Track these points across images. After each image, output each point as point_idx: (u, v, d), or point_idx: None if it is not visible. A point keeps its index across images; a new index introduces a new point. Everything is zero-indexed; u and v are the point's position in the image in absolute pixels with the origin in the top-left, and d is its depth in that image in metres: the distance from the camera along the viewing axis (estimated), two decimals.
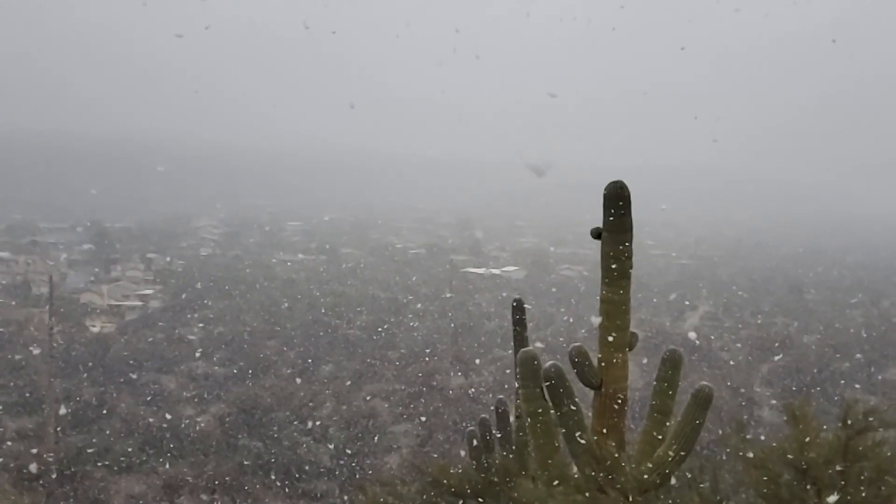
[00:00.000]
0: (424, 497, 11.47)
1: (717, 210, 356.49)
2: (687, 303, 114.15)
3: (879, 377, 68.36)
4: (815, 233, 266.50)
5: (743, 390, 57.89)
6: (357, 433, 51.97)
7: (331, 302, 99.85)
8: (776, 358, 72.06)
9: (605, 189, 10.31)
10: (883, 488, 9.93)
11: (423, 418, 54.35)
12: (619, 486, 9.36)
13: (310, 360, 73.62)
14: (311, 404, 56.48)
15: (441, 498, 11.25)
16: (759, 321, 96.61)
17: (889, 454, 10.42)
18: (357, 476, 43.96)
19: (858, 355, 73.03)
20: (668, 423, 11.18)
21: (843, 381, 64.05)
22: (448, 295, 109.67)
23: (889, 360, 73.58)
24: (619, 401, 10.77)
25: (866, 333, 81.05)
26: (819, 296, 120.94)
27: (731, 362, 71.92)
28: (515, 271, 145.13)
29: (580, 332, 67.35)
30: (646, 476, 10.09)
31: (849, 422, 10.24)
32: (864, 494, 9.82)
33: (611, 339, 10.73)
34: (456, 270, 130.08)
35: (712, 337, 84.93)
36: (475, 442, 13.52)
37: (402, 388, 62.06)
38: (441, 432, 52.09)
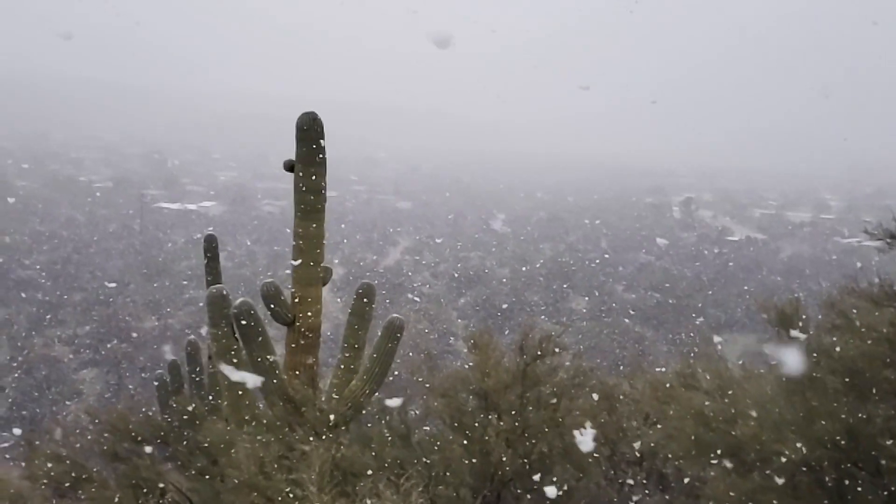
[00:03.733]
0: (104, 447, 10.64)
1: (416, 145, 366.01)
2: (389, 238, 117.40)
3: (562, 306, 75.11)
4: (502, 170, 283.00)
5: (440, 322, 60.98)
6: (37, 381, 47.73)
7: (1, 240, 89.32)
8: (471, 291, 76.73)
9: (298, 120, 10.02)
10: (557, 412, 10.84)
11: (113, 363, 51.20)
12: (308, 422, 9.31)
13: None
14: None
15: (120, 446, 10.50)
16: (456, 255, 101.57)
17: (562, 377, 11.38)
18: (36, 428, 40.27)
19: (546, 286, 79.95)
20: (361, 356, 11.36)
21: (531, 311, 69.48)
22: (138, 230, 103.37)
23: (572, 290, 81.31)
24: (312, 336, 10.70)
25: (553, 266, 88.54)
26: (511, 229, 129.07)
27: (429, 295, 75.46)
28: (213, 206, 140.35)
29: (283, 269, 66.63)
30: (335, 412, 10.15)
31: (525, 349, 10.96)
32: (541, 416, 10.64)
33: (303, 274, 10.57)
34: (148, 206, 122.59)
35: (409, 272, 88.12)
36: (164, 385, 12.86)
37: (88, 331, 57.76)
38: (132, 377, 49.41)
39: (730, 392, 10.41)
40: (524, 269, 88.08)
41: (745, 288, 79.08)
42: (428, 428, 11.82)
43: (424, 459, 10.21)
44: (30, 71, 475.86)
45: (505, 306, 69.41)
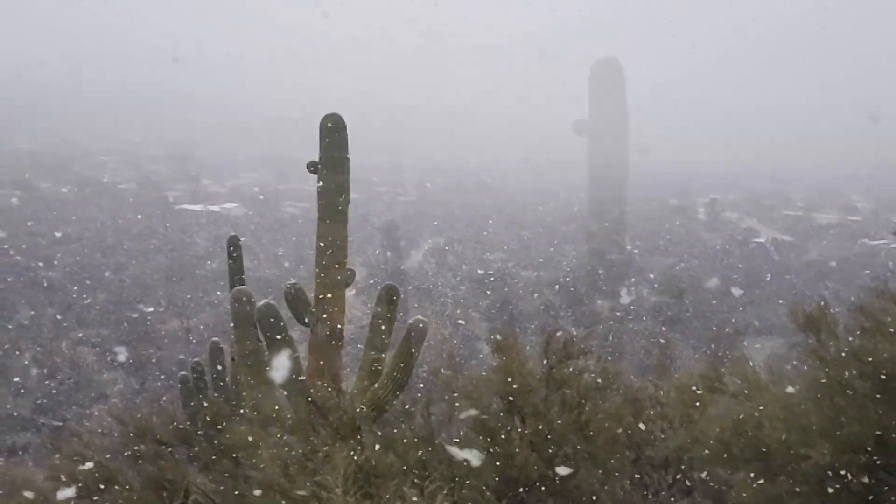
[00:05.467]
0: (130, 448, 10.68)
1: (440, 149, 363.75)
2: (412, 240, 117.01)
3: (587, 309, 74.49)
4: (510, 171, 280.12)
5: (463, 324, 60.65)
6: (62, 383, 48.16)
7: (27, 242, 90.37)
8: (495, 293, 76.26)
9: (321, 122, 10.03)
10: (582, 415, 10.75)
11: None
12: (332, 425, 9.30)
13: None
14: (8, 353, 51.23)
15: (144, 447, 10.55)
16: (480, 257, 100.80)
17: (587, 380, 11.28)
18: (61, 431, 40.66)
19: (569, 287, 79.39)
20: (384, 359, 11.33)
21: (555, 313, 69.02)
22: (162, 231, 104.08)
23: (595, 292, 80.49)
24: (336, 339, 10.69)
25: (571, 268, 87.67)
26: (535, 233, 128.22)
27: (452, 298, 75.19)
28: (236, 208, 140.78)
29: (307, 271, 66.53)
30: (360, 413, 10.13)
31: (549, 352, 10.87)
32: (565, 419, 10.54)
33: (327, 276, 10.57)
34: (171, 207, 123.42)
35: (431, 274, 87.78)
36: (188, 387, 12.90)
37: (112, 333, 58.17)
38: (155, 380, 49.73)
39: (757, 396, 10.28)
40: (558, 279, 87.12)
41: (773, 291, 78.28)
42: (459, 439, 11.70)
43: (448, 462, 10.16)
44: (30, 71, 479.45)
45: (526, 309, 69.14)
